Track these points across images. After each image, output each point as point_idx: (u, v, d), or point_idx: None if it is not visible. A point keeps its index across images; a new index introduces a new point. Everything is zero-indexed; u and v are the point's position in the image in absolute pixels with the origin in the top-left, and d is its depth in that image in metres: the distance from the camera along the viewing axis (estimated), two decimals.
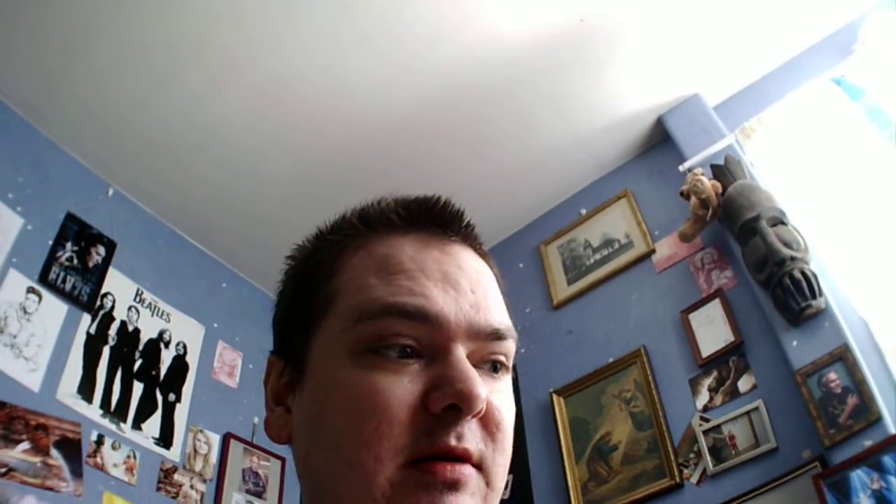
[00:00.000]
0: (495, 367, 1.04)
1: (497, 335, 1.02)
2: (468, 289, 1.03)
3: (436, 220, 1.10)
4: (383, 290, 0.99)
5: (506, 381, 1.06)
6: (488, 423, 0.97)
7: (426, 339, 0.97)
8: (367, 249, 1.07)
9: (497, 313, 1.05)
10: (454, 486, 0.91)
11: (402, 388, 0.93)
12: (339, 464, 0.93)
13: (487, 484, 0.96)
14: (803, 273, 4.07)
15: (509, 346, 1.05)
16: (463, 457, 0.93)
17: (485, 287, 1.07)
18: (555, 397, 5.11)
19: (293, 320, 1.11)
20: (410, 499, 0.90)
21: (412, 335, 0.96)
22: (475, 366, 0.98)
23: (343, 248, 1.09)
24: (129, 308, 5.02)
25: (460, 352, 0.97)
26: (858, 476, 3.47)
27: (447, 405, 0.92)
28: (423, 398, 0.93)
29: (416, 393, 0.93)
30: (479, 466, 0.95)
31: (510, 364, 1.07)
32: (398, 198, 1.13)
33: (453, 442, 0.92)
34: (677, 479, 4.30)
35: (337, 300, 1.03)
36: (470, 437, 0.94)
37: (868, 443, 3.55)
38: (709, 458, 4.22)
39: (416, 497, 0.90)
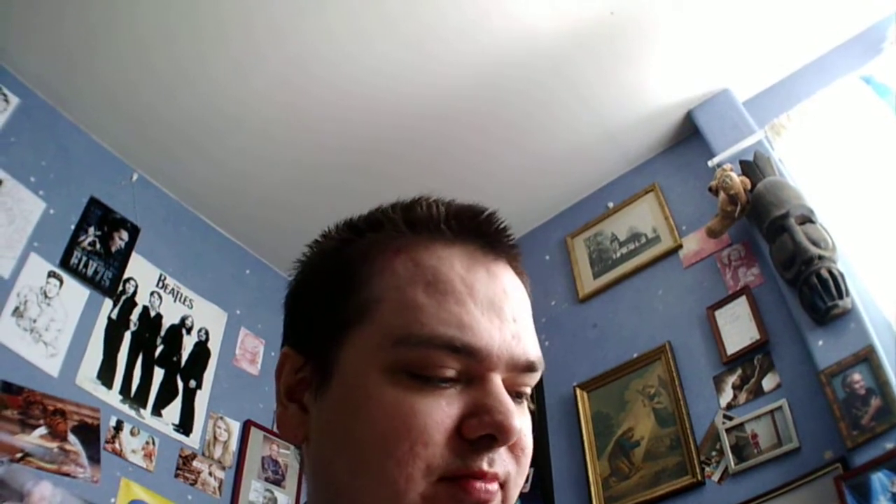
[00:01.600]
0: (522, 395, 1.04)
1: (531, 367, 1.02)
2: (511, 317, 1.02)
3: (484, 234, 1.07)
4: (431, 316, 0.97)
5: (527, 405, 1.07)
6: (516, 449, 0.99)
7: (466, 365, 0.96)
8: (411, 256, 1.04)
9: (533, 345, 1.04)
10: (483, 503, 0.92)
11: (440, 411, 0.93)
12: (366, 478, 0.93)
13: (505, 501, 0.97)
14: (831, 272, 4.04)
15: (538, 377, 1.05)
16: (493, 479, 0.94)
17: (524, 313, 1.06)
18: (578, 391, 5.09)
19: (321, 318, 1.07)
20: None
21: (454, 366, 0.95)
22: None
23: (384, 248, 1.06)
24: (152, 293, 5.03)
25: (499, 381, 0.97)
26: (879, 479, 3.45)
27: (484, 434, 0.93)
28: (459, 422, 0.94)
29: (454, 417, 0.94)
30: (503, 485, 0.96)
31: None
32: (445, 203, 1.10)
33: (486, 467, 0.93)
34: (699, 477, 4.26)
35: (377, 308, 1.00)
36: (499, 461, 0.95)
37: (890, 445, 3.52)
38: (731, 456, 4.18)
39: None
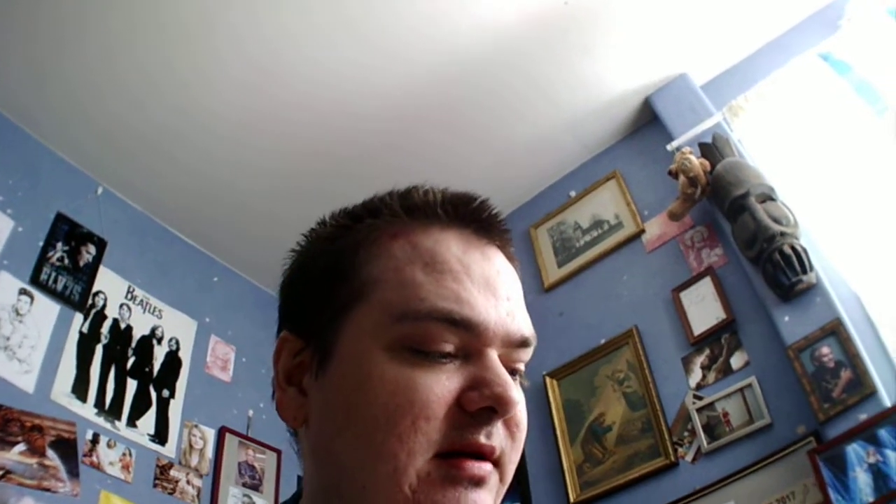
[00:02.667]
0: (516, 372, 1.07)
1: (525, 343, 1.05)
2: (505, 296, 1.05)
3: (478, 220, 1.11)
4: (429, 292, 1.00)
5: (521, 382, 1.09)
6: (511, 424, 1.00)
7: (465, 341, 0.99)
8: (409, 239, 1.07)
9: (526, 322, 1.08)
10: (478, 482, 0.95)
11: (441, 385, 0.95)
12: (368, 454, 0.94)
13: (501, 480, 1.00)
14: (793, 248, 4.08)
15: (531, 353, 1.08)
16: (489, 454, 0.96)
17: (517, 296, 1.09)
18: (548, 380, 5.12)
19: (319, 301, 1.09)
20: (436, 491, 0.92)
21: (452, 338, 0.98)
22: None
23: (381, 233, 1.09)
24: (121, 306, 5.01)
25: (495, 356, 1.00)
26: (854, 450, 3.48)
27: (483, 406, 0.95)
28: (459, 396, 0.96)
29: (454, 391, 0.96)
30: (498, 463, 0.98)
31: None
32: (441, 190, 1.13)
33: (483, 440, 0.95)
34: (672, 458, 4.31)
35: (375, 289, 1.03)
36: (496, 435, 0.97)
37: (863, 416, 3.57)
38: (703, 436, 4.23)
39: (442, 490, 0.93)
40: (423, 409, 0.93)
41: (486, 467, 0.95)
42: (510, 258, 1.16)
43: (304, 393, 1.08)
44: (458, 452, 0.94)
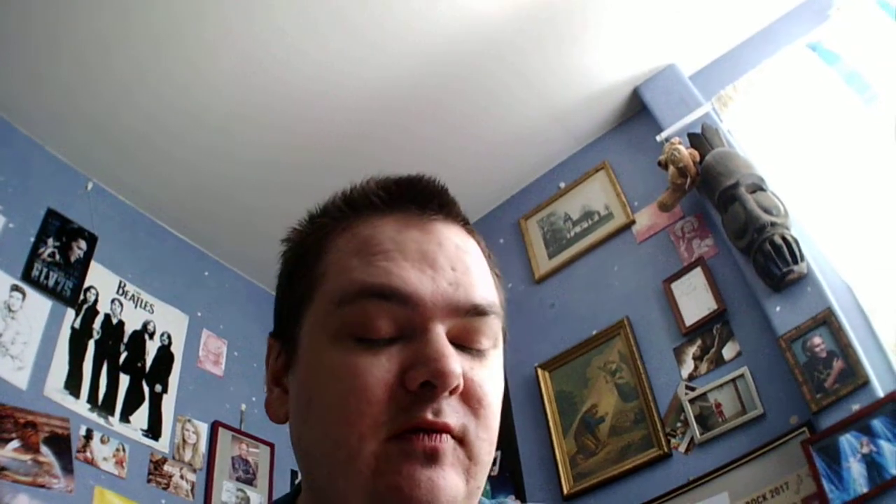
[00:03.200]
0: (476, 342, 1.05)
1: (477, 311, 1.04)
2: (447, 266, 1.05)
3: (416, 199, 1.12)
4: (361, 272, 1.02)
5: (491, 357, 1.07)
6: (469, 399, 1.00)
7: (404, 319, 1.00)
8: (352, 231, 1.10)
9: (480, 289, 1.07)
10: (433, 456, 0.94)
11: (380, 367, 0.96)
12: (326, 443, 0.97)
13: (470, 458, 0.99)
14: (784, 238, 4.08)
15: (491, 322, 1.06)
16: (443, 430, 0.96)
17: (466, 263, 1.08)
18: (540, 371, 5.13)
19: (287, 303, 1.14)
20: (393, 469, 0.93)
21: (389, 316, 0.99)
22: (457, 343, 1.02)
23: (329, 231, 1.12)
24: (113, 301, 5.01)
25: (438, 329, 1.00)
26: (848, 440, 3.49)
27: (422, 382, 0.95)
28: (401, 376, 0.96)
29: (394, 372, 0.97)
30: (462, 441, 0.98)
31: (498, 339, 1.09)
32: (379, 179, 1.16)
33: (430, 417, 0.95)
34: (665, 449, 4.32)
35: (322, 282, 1.07)
36: (449, 411, 0.97)
37: (856, 407, 3.57)
38: (696, 426, 4.24)
39: (397, 467, 0.93)
40: (363, 393, 0.95)
41: (440, 440, 0.95)
42: (467, 230, 1.17)
43: (286, 391, 1.13)
44: (410, 430, 0.95)
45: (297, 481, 1.20)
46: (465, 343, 1.03)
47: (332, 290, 1.03)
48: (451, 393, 0.97)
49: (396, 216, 1.10)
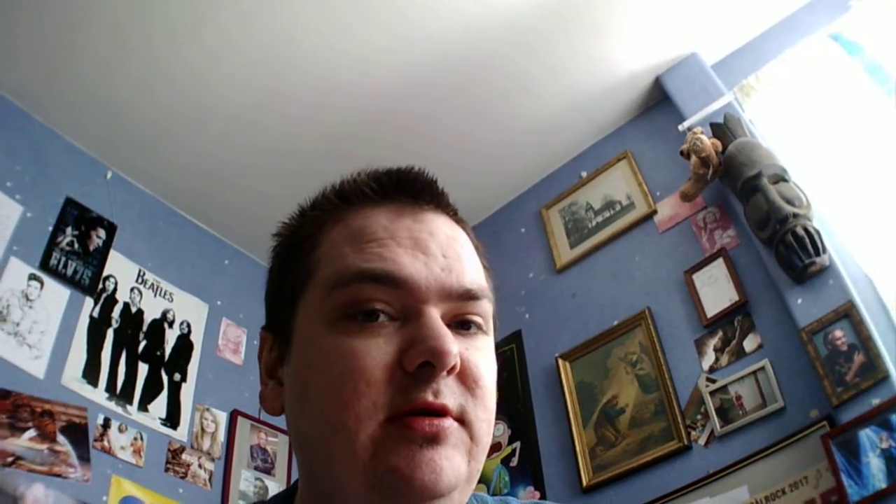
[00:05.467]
0: (469, 326, 1.07)
1: (469, 295, 1.07)
2: (439, 253, 1.08)
3: (408, 190, 1.15)
4: (355, 258, 1.04)
5: (483, 339, 1.10)
6: (466, 379, 1.01)
7: (398, 302, 1.02)
8: (345, 222, 1.12)
9: (470, 275, 1.09)
10: (434, 439, 0.95)
11: (378, 348, 0.98)
12: (324, 427, 0.98)
13: (471, 438, 1.00)
14: (806, 230, 4.06)
15: (483, 306, 1.09)
16: (441, 411, 0.97)
17: (457, 251, 1.11)
18: (560, 362, 5.10)
19: (279, 295, 1.17)
20: (391, 453, 0.94)
21: (384, 299, 1.01)
22: (449, 326, 1.03)
23: (322, 223, 1.15)
24: (132, 290, 5.02)
25: (433, 312, 1.02)
26: (867, 435, 3.46)
27: (421, 362, 0.96)
28: (398, 358, 0.98)
29: (391, 353, 0.98)
30: (462, 420, 0.99)
31: (489, 324, 1.12)
32: (371, 171, 1.19)
33: (430, 398, 0.96)
34: (685, 442, 4.29)
35: (316, 272, 1.09)
36: (447, 392, 0.98)
37: (876, 401, 3.55)
38: (716, 419, 4.21)
39: (396, 451, 0.94)
40: (362, 374, 0.96)
41: (442, 423, 0.96)
42: (456, 220, 1.20)
43: (281, 384, 1.14)
44: (410, 413, 0.96)
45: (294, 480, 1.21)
46: (457, 326, 1.06)
47: (325, 277, 1.05)
48: (449, 373, 0.98)
49: (388, 206, 1.13)
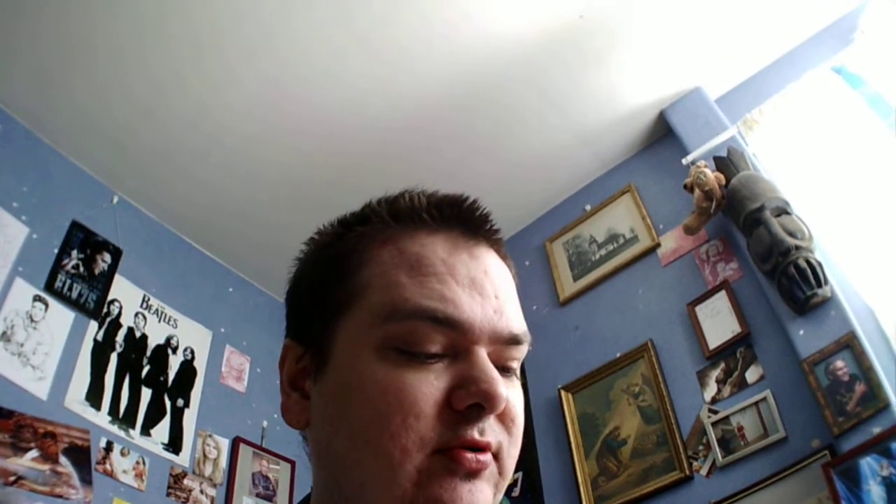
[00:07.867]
0: (509, 368, 1.07)
1: (515, 340, 1.06)
2: (492, 294, 1.06)
3: (465, 221, 1.12)
4: (415, 292, 1.02)
5: (517, 380, 1.10)
6: (505, 419, 1.02)
7: (451, 340, 1.01)
8: (397, 245, 1.09)
9: (516, 319, 1.08)
10: (475, 474, 0.96)
11: (429, 385, 0.97)
12: (364, 453, 0.97)
13: (500, 473, 1.01)
14: (808, 262, 4.07)
15: (524, 350, 1.09)
16: (485, 448, 0.98)
17: (506, 292, 1.10)
18: (563, 393, 5.11)
19: (316, 308, 1.13)
20: (435, 483, 0.94)
21: (438, 337, 1.00)
22: (494, 366, 1.02)
23: (371, 240, 1.11)
24: (136, 314, 5.03)
25: (483, 353, 1.01)
26: (868, 463, 3.46)
27: (471, 404, 0.97)
28: (448, 395, 0.98)
29: (442, 390, 0.98)
30: (496, 456, 1.00)
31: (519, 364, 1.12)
32: (428, 194, 1.15)
33: (476, 436, 0.97)
34: (687, 472, 4.30)
35: (364, 293, 1.06)
36: (490, 431, 0.99)
37: (877, 430, 3.55)
38: (718, 449, 4.21)
39: (440, 481, 0.94)
40: (412, 408, 0.95)
41: (484, 459, 0.97)
42: (503, 257, 1.18)
43: (306, 397, 1.12)
44: (457, 446, 0.96)
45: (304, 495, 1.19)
46: (499, 366, 1.04)
47: (378, 304, 1.03)
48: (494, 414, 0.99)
49: (444, 235, 1.10)
